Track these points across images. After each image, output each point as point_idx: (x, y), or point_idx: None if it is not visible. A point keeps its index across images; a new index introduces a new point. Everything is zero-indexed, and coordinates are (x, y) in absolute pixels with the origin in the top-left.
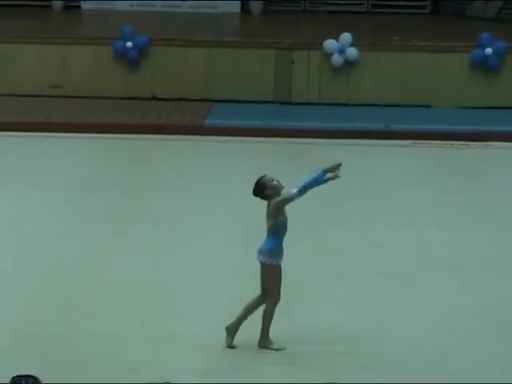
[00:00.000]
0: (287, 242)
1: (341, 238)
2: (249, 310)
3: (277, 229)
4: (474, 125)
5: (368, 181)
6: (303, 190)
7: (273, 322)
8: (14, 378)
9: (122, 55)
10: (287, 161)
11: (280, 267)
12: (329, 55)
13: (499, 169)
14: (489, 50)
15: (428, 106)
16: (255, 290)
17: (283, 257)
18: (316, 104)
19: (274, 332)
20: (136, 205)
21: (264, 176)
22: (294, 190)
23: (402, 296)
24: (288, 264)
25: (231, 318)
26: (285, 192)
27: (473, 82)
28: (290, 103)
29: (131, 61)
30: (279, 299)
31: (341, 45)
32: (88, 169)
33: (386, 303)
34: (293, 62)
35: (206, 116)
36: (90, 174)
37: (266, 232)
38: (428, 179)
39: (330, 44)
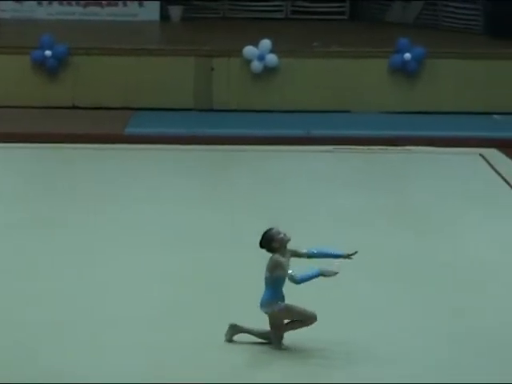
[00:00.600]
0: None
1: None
2: (261, 335)
3: (274, 281)
4: (393, 129)
5: (290, 187)
6: (299, 280)
7: None
8: None
9: (41, 64)
10: (209, 168)
11: (284, 306)
12: (248, 62)
13: (419, 173)
14: (407, 56)
15: (348, 112)
16: (180, 296)
17: None
18: (237, 111)
19: None
20: (57, 215)
21: (271, 229)
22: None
23: (326, 298)
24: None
25: (158, 325)
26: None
27: (392, 87)
28: (211, 110)
29: (51, 70)
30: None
31: (260, 51)
32: (7, 178)
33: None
34: (213, 69)
35: (126, 124)
36: (9, 184)
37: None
38: (350, 184)
39: (249, 51)
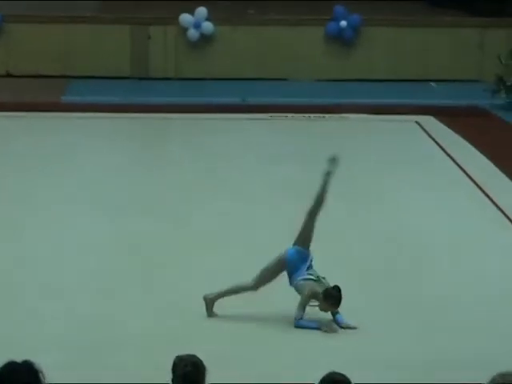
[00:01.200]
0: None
1: (197, 213)
2: (235, 291)
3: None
4: (330, 97)
5: (224, 155)
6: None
7: None
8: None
9: None
10: (144, 135)
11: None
12: (185, 30)
13: (355, 141)
14: (343, 23)
15: (285, 80)
16: (108, 265)
17: None
18: (173, 79)
19: None
20: None
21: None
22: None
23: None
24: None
25: (85, 294)
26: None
27: (328, 55)
28: (148, 78)
29: None
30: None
31: (196, 19)
32: None
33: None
34: (149, 37)
35: (63, 92)
36: None
37: None
38: (286, 152)
39: (185, 18)
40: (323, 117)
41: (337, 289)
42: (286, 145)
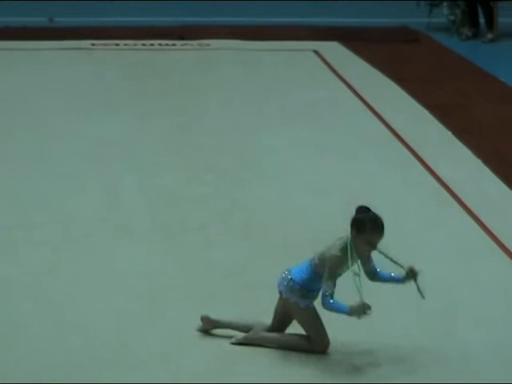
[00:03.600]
0: None
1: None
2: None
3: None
4: (179, 16)
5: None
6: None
7: None
8: None
9: None
10: None
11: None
12: None
13: (221, 76)
14: None
15: None
16: None
17: None
18: None
19: None
20: None
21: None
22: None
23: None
24: None
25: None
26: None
27: None
28: None
29: None
30: None
31: None
32: None
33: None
34: None
35: None
36: None
37: None
38: (119, 97)
39: None
40: (174, 45)
41: (364, 208)
42: (112, 85)
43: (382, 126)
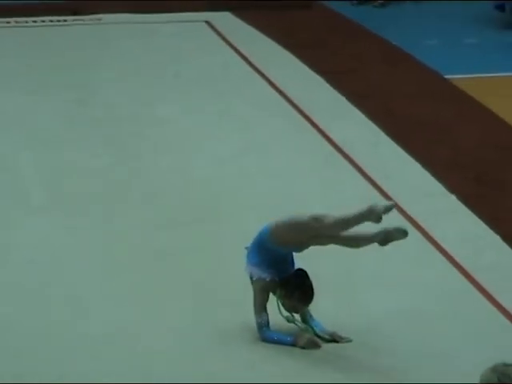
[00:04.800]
0: None
1: None
2: None
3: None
4: None
5: None
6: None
7: None
8: None
9: None
10: None
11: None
12: None
13: (113, 55)
14: None
15: None
16: None
17: None
18: None
19: None
20: None
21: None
22: None
23: None
24: None
25: None
26: None
27: None
28: None
29: None
30: None
31: None
32: None
33: None
34: None
35: None
36: None
37: None
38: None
39: None
40: (65, 21)
41: (302, 274)
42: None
43: (275, 93)
